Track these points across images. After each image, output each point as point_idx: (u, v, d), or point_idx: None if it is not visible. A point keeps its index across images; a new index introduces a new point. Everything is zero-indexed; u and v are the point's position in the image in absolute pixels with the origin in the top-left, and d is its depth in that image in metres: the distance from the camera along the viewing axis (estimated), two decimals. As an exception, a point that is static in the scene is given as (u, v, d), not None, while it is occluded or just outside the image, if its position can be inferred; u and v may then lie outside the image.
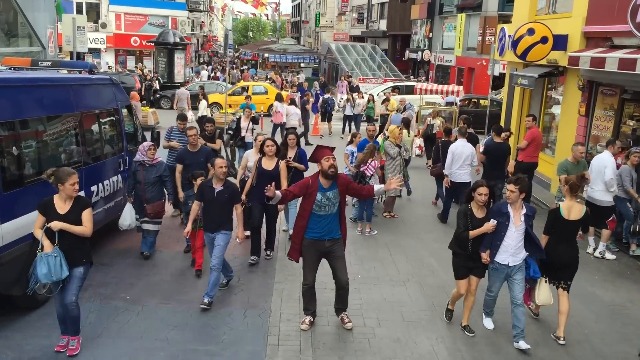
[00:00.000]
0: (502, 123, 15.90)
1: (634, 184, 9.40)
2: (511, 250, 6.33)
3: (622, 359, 6.39)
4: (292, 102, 19.13)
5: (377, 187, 6.80)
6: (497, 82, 27.63)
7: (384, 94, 23.71)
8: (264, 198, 6.56)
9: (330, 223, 6.40)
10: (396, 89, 26.97)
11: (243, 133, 14.19)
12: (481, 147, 11.58)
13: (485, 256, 6.43)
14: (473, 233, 6.41)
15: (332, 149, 6.60)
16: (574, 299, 7.68)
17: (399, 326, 6.80)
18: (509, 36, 15.06)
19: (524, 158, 11.76)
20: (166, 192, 8.98)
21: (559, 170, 9.43)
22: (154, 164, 8.50)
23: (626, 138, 11.45)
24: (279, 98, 19.77)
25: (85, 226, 5.75)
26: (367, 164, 10.09)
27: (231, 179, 8.26)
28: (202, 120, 16.90)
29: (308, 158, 7.34)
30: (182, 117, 10.71)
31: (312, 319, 6.72)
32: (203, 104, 20.34)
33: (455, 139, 11.26)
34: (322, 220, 6.36)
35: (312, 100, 21.95)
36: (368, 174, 10.08)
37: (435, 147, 12.63)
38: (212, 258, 7.12)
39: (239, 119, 14.35)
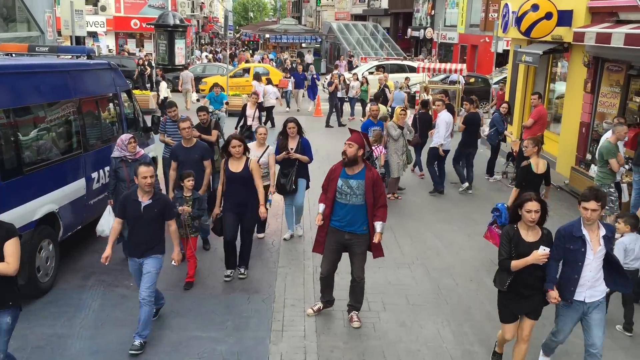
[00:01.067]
0: (507, 99, 15.71)
1: None
2: (588, 284, 4.98)
3: None
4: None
5: (379, 226, 6.04)
6: (501, 59, 27.31)
7: (368, 73, 23.47)
8: (237, 206, 6.60)
9: (352, 214, 6.01)
10: (381, 68, 25.82)
11: (250, 122, 13.04)
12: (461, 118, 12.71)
13: (554, 295, 5.01)
14: (516, 264, 4.92)
15: (364, 134, 6.17)
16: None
17: (404, 310, 6.75)
18: (513, 12, 14.80)
19: (528, 135, 11.62)
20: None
21: (607, 155, 8.51)
22: (137, 158, 7.47)
23: (632, 114, 11.30)
24: (256, 77, 19.82)
25: (8, 262, 4.38)
26: (375, 147, 10.20)
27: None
28: (164, 104, 15.84)
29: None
30: (170, 105, 9.86)
31: (321, 307, 6.54)
32: (163, 85, 20.20)
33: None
34: (343, 209, 6.02)
35: (307, 83, 22.90)
36: (375, 154, 10.30)
37: (413, 118, 13.06)
38: (140, 290, 5.77)
39: (244, 106, 13.30)
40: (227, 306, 6.77)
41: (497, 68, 24.56)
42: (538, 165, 8.05)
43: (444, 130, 11.47)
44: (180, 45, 31.92)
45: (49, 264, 6.94)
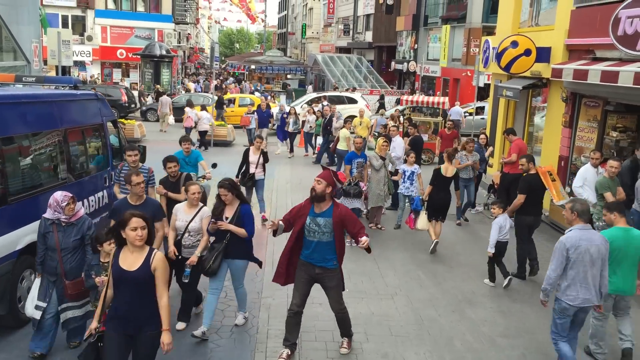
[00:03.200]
0: (487, 133, 16.00)
1: None
2: None
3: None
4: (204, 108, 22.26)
5: (364, 239, 5.85)
6: (482, 92, 27.86)
7: (307, 105, 22.39)
8: (124, 323, 4.59)
9: (321, 251, 6.02)
10: (317, 100, 25.58)
11: (252, 169, 11.25)
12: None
13: None
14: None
15: (334, 173, 6.23)
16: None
17: (386, 341, 6.79)
18: (493, 48, 15.21)
19: (510, 169, 11.85)
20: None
21: (601, 189, 8.75)
22: (74, 222, 6.05)
23: (609, 149, 11.57)
24: (189, 104, 21.40)
25: None
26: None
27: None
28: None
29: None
30: (131, 148, 8.14)
31: (289, 352, 6.23)
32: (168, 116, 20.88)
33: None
34: (311, 246, 6.05)
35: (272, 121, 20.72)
36: (363, 187, 10.72)
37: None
38: None
39: (247, 151, 11.58)
40: (211, 337, 6.74)
41: (478, 101, 25.02)
42: (447, 170, 10.31)
43: (400, 153, 13.04)
44: (165, 76, 32.24)
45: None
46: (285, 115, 20.00)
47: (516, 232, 9.06)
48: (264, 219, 11.35)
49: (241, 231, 6.54)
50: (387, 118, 20.31)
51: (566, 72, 11.16)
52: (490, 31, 25.89)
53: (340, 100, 26.01)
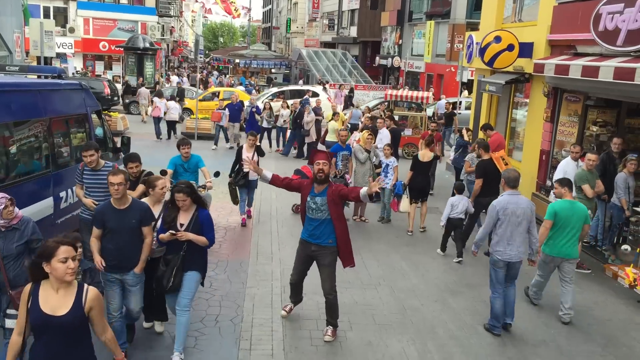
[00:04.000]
0: (470, 126, 16.17)
1: (630, 192, 9.44)
2: None
3: (587, 357, 6.57)
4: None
5: (362, 190, 6.29)
6: (466, 87, 28.10)
7: (267, 102, 21.49)
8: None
9: (319, 228, 6.44)
10: (281, 95, 26.10)
11: (246, 168, 11.31)
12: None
13: None
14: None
15: (330, 154, 6.89)
16: (541, 301, 7.89)
17: (370, 329, 6.88)
18: (477, 43, 15.34)
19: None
20: None
21: (580, 181, 9.13)
22: (15, 225, 5.49)
23: (589, 143, 11.76)
24: (158, 94, 21.64)
25: None
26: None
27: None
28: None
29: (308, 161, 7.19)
30: (87, 147, 7.10)
31: (292, 307, 7.12)
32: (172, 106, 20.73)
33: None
34: (311, 223, 6.49)
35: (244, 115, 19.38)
36: (348, 179, 10.91)
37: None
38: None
39: (240, 149, 10.96)
40: (195, 326, 6.76)
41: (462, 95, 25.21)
42: (424, 156, 11.15)
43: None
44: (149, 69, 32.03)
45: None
46: (254, 109, 19.10)
47: (473, 212, 9.91)
48: (249, 215, 11.28)
49: (202, 240, 5.84)
50: (362, 111, 20.51)
51: (548, 67, 11.30)
52: (474, 27, 26.10)
53: (302, 94, 25.44)
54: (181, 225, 5.88)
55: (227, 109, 19.44)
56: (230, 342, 6.45)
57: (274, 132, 20.22)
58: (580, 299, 8.19)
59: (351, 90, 32.07)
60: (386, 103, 21.36)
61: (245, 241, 9.99)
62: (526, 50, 13.04)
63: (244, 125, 19.46)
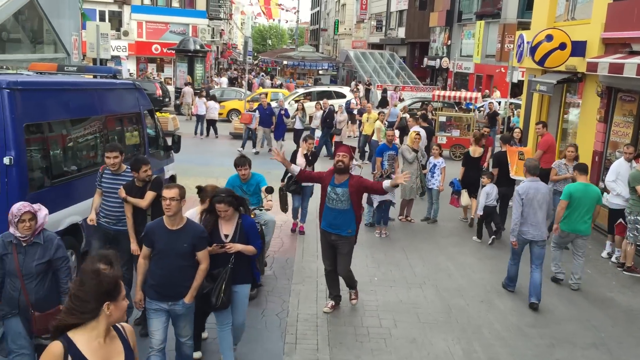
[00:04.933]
0: (521, 127, 15.90)
1: None
2: None
3: (639, 362, 6.40)
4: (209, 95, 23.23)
5: (386, 182, 6.72)
6: (516, 89, 27.58)
7: (300, 103, 20.97)
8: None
9: (338, 218, 6.72)
10: (308, 96, 25.74)
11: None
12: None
13: None
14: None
15: (352, 148, 7.11)
16: (591, 304, 7.73)
17: (415, 327, 6.87)
18: (528, 43, 15.05)
19: (541, 165, 11.74)
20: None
21: (634, 182, 8.94)
22: (36, 240, 4.84)
23: (645, 144, 11.40)
24: (199, 94, 23.05)
25: None
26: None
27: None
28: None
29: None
30: (112, 148, 6.67)
31: (334, 303, 7.19)
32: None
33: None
34: (331, 213, 6.75)
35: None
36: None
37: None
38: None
39: (294, 152, 10.36)
40: (242, 319, 6.92)
41: (511, 97, 24.77)
42: (475, 152, 11.40)
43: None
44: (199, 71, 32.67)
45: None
46: (282, 112, 18.48)
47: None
48: (301, 231, 10.36)
49: (250, 249, 5.47)
50: (401, 110, 20.68)
51: (602, 66, 11.02)
52: (525, 27, 25.58)
53: (328, 95, 25.02)
54: (225, 236, 5.46)
55: (257, 112, 18.79)
56: (276, 336, 6.56)
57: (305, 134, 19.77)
58: (634, 303, 7.97)
59: (384, 91, 32.08)
60: (424, 103, 21.38)
61: (291, 239, 10.11)
62: (579, 48, 12.73)
63: (272, 130, 18.76)
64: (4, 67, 9.66)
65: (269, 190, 7.56)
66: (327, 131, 18.37)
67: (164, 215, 5.05)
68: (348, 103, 22.67)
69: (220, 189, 5.62)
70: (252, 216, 6.52)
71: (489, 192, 10.31)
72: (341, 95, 25.41)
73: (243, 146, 18.97)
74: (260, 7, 63.41)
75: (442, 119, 19.34)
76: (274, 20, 70.68)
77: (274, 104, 19.78)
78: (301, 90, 28.88)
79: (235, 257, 5.39)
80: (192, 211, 6.08)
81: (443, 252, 9.77)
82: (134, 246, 6.38)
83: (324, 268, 7.25)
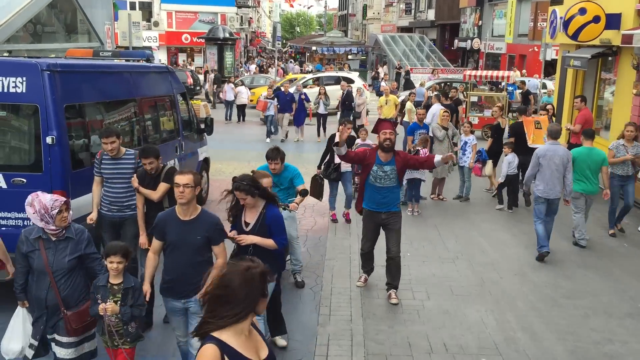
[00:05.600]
0: (555, 105, 15.67)
1: None
2: None
3: (677, 332, 6.33)
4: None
5: (437, 157, 6.70)
6: (549, 69, 27.08)
7: (323, 87, 20.51)
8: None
9: (388, 196, 6.66)
10: (316, 81, 25.24)
11: (338, 159, 9.08)
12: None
13: None
14: None
15: (395, 123, 6.98)
16: (629, 276, 7.67)
17: (447, 299, 6.92)
18: (561, 18, 14.78)
19: (577, 141, 11.61)
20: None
21: None
22: (68, 234, 4.58)
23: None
24: (227, 81, 23.88)
25: None
26: (421, 150, 10.35)
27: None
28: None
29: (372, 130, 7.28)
30: (108, 132, 6.34)
31: (367, 277, 7.25)
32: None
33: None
34: (378, 192, 6.63)
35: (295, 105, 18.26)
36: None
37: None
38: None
39: (331, 137, 9.80)
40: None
41: (546, 77, 24.35)
42: (504, 123, 12.03)
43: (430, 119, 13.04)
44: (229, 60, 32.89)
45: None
46: (303, 97, 18.36)
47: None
48: (347, 219, 9.93)
49: (269, 242, 5.07)
50: (427, 89, 20.64)
51: (637, 37, 10.79)
52: (558, 3, 25.07)
53: (336, 80, 24.16)
54: (246, 224, 5.16)
55: (275, 99, 18.24)
56: (310, 307, 6.70)
57: (329, 118, 19.51)
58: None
59: (407, 73, 31.84)
60: (445, 84, 21.23)
61: (324, 219, 10.21)
62: (613, 21, 12.46)
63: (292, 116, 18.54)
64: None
65: (304, 194, 7.02)
66: (347, 113, 18.12)
67: (177, 204, 4.68)
68: (378, 85, 22.60)
69: (243, 175, 5.19)
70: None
71: (510, 161, 10.71)
72: (350, 81, 24.20)
73: (268, 135, 18.34)
74: None
75: (474, 98, 19.15)
76: (292, 6, 69.68)
77: (292, 89, 19.43)
78: (310, 75, 28.17)
79: (254, 249, 4.93)
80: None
81: (476, 228, 9.75)
82: (142, 239, 6.11)
83: (361, 249, 7.12)
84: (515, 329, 6.22)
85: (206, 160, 11.06)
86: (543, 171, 8.20)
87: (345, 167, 9.57)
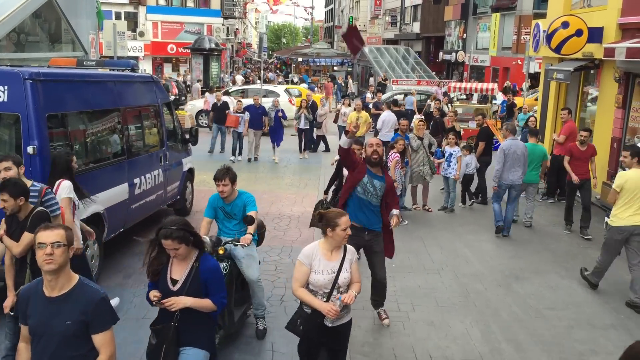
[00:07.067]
0: (537, 118, 15.82)
1: None
2: None
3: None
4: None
5: (395, 211, 6.31)
6: (533, 81, 27.36)
7: (304, 100, 18.46)
8: None
9: (372, 213, 6.15)
10: (242, 93, 23.46)
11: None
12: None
13: None
14: None
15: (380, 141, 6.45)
16: (610, 287, 7.71)
17: (433, 311, 6.90)
18: (544, 31, 14.97)
19: (561, 152, 11.71)
20: None
21: None
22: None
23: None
24: (210, 90, 22.85)
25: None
26: (391, 156, 10.17)
27: None
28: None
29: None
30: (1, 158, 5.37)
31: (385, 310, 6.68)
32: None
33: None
34: (364, 207, 6.10)
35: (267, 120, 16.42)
36: (389, 164, 10.01)
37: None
38: None
39: (340, 161, 8.20)
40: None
41: (529, 90, 24.59)
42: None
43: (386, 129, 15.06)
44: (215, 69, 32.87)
45: (94, 262, 7.29)
46: (280, 114, 16.67)
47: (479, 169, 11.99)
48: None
49: (206, 304, 4.06)
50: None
51: (619, 51, 10.94)
52: (541, 18, 25.39)
53: (260, 93, 21.92)
54: (173, 281, 4.08)
55: (246, 113, 16.28)
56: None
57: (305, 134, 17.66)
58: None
59: (385, 79, 31.92)
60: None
61: (309, 230, 10.15)
62: (595, 35, 12.65)
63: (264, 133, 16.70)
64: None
65: (249, 221, 5.75)
66: (309, 124, 17.47)
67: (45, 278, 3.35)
68: (364, 97, 22.74)
69: (172, 218, 4.04)
70: (220, 252, 5.49)
71: (468, 162, 11.68)
72: (275, 94, 22.47)
73: (234, 153, 16.58)
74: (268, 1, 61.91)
75: (459, 110, 19.27)
76: (274, 12, 68.98)
77: (267, 105, 17.46)
78: (236, 88, 26.72)
79: (181, 312, 3.99)
80: (313, 245, 4.55)
81: (461, 239, 9.77)
82: (7, 301, 4.79)
83: None
84: (500, 340, 6.22)
85: (191, 171, 10.99)
86: (508, 162, 9.70)
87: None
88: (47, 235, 3.28)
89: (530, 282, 7.93)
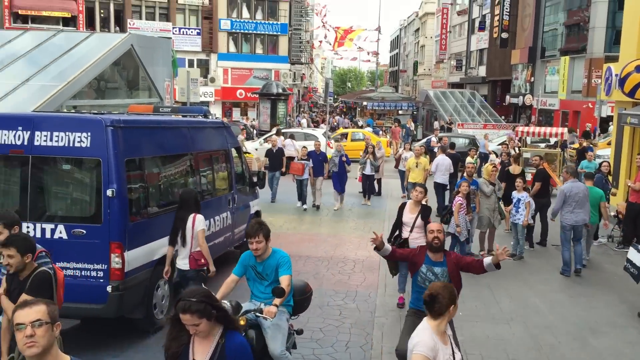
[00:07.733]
0: (611, 163, 15.28)
1: None
2: None
3: None
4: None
5: (487, 259, 5.74)
6: (604, 125, 26.57)
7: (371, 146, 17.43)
8: None
9: None
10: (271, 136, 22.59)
11: (406, 234, 8.38)
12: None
13: None
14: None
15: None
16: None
17: (503, 363, 6.67)
18: (616, 75, 14.62)
19: (637, 199, 11.27)
20: None
21: None
22: None
23: None
24: (277, 133, 21.80)
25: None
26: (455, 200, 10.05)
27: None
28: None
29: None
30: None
31: None
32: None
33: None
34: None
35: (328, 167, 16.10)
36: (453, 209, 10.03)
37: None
38: None
39: (402, 206, 8.70)
40: (326, 350, 6.97)
41: (600, 134, 23.85)
42: (514, 170, 12.57)
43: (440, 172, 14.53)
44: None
45: (164, 302, 7.50)
46: (344, 158, 16.03)
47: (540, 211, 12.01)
48: (400, 303, 8.50)
49: None
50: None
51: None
52: (613, 61, 24.78)
53: (299, 137, 23.23)
54: None
55: (309, 158, 15.87)
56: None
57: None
58: None
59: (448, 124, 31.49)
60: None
61: (373, 274, 10.11)
62: (672, 78, 12.24)
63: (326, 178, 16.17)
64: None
65: (278, 293, 5.07)
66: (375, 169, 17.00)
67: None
68: (429, 141, 22.71)
69: (192, 289, 3.67)
70: (241, 323, 4.89)
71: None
72: (314, 138, 22.43)
73: (301, 200, 15.93)
74: (333, 43, 61.96)
75: (527, 155, 18.86)
76: (337, 53, 68.91)
77: (331, 150, 17.21)
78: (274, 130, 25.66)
79: None
80: (428, 332, 3.86)
81: (531, 288, 9.45)
82: None
83: (398, 347, 5.62)
84: (575, 397, 5.93)
85: (257, 213, 11.20)
86: (569, 203, 9.87)
87: (415, 241, 8.08)
88: (26, 314, 2.80)
89: (608, 336, 7.55)
